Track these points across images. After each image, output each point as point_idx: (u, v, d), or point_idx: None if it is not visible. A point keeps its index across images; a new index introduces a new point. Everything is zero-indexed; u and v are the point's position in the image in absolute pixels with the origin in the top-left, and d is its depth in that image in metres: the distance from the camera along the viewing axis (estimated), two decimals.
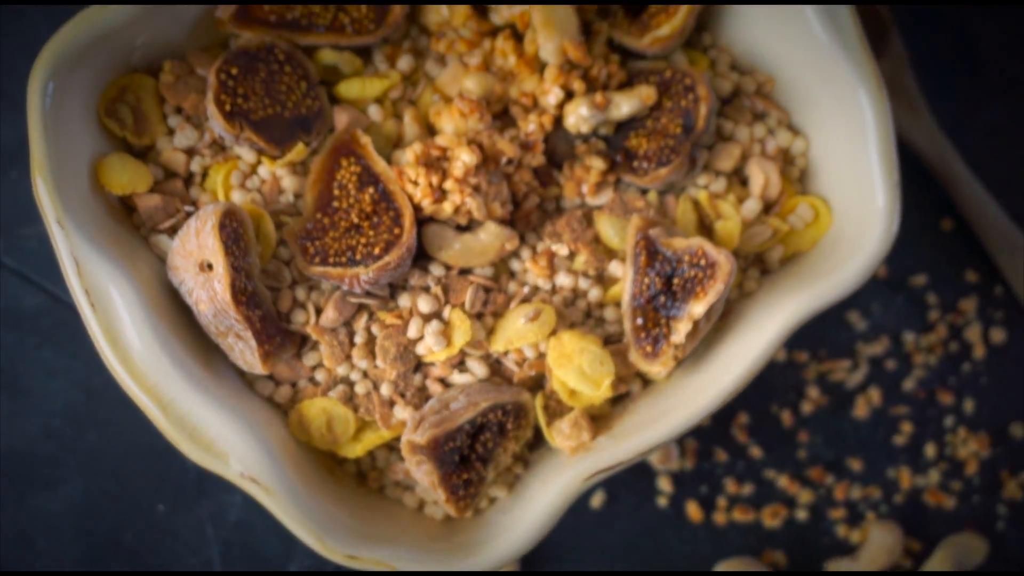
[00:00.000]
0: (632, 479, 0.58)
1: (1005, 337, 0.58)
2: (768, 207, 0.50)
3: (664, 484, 0.58)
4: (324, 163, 0.48)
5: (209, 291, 0.45)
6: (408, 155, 0.47)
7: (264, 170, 0.48)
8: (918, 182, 0.59)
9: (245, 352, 0.46)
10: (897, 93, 0.57)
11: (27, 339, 0.57)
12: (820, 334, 0.59)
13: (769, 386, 0.58)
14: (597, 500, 0.58)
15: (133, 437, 0.56)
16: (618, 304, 0.49)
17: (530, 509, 0.48)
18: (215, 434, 0.45)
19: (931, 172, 0.58)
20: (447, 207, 0.47)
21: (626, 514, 0.58)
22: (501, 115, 0.49)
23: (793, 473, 0.58)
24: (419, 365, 0.48)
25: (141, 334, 0.45)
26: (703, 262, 0.46)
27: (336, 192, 0.47)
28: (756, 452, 0.58)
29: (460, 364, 0.48)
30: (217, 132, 0.47)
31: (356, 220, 0.47)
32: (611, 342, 0.49)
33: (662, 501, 0.58)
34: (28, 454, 0.57)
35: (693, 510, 0.58)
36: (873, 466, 0.58)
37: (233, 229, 0.45)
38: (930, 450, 0.58)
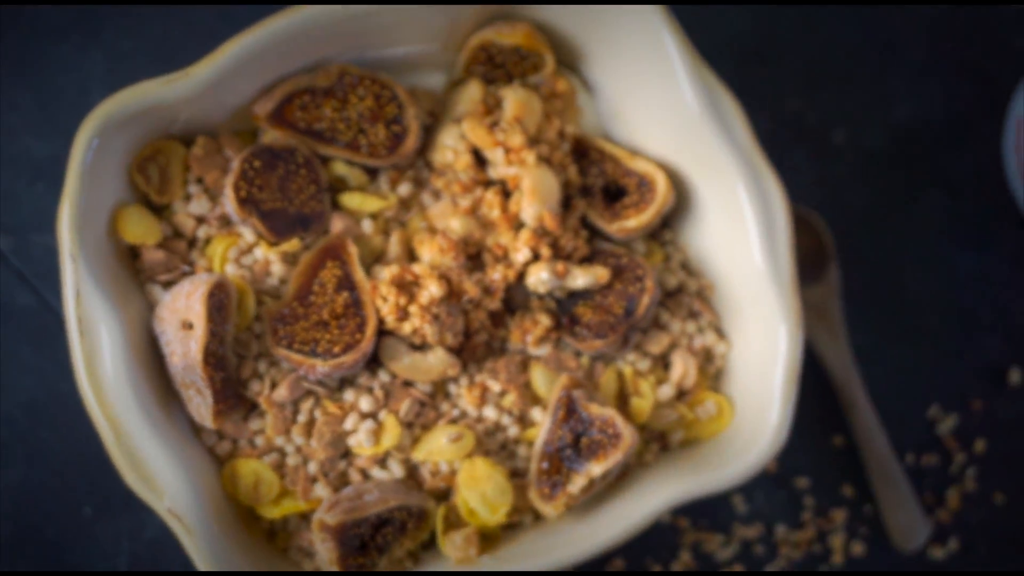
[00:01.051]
0: None
1: (864, 551, 0.65)
2: (681, 394, 0.57)
3: None
4: (312, 260, 0.54)
5: (184, 347, 0.51)
6: (385, 273, 0.54)
7: (259, 252, 0.54)
8: (823, 396, 0.65)
9: (201, 406, 0.52)
10: (823, 317, 0.65)
11: (11, 333, 0.62)
12: (705, 506, 0.65)
13: (648, 540, 0.65)
14: None
15: (80, 445, 0.62)
16: (531, 445, 0.55)
17: None
18: (156, 470, 0.51)
19: (836, 392, 0.65)
20: (407, 327, 0.53)
21: None
22: (474, 257, 0.56)
23: None
24: (347, 453, 0.54)
25: (116, 368, 0.51)
26: (611, 431, 0.53)
27: (315, 288, 0.54)
28: None
29: (382, 462, 0.54)
30: (227, 210, 0.54)
31: (326, 317, 0.53)
32: (517, 476, 0.56)
33: None
34: None
35: None
36: None
37: (219, 299, 0.52)
38: None
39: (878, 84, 0.66)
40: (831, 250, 0.65)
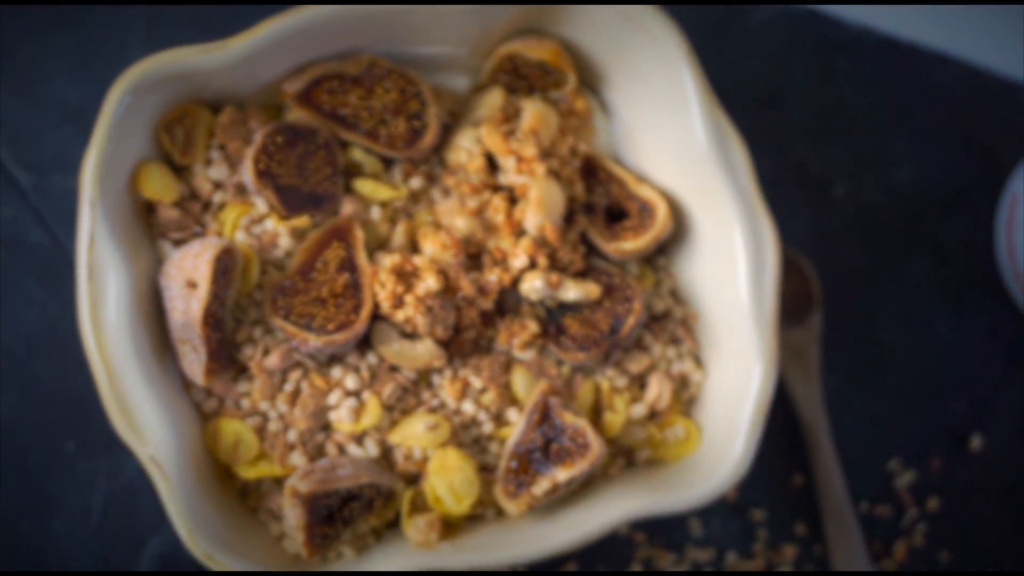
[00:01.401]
0: None
1: None
2: (653, 415, 0.59)
3: None
4: (319, 238, 0.56)
5: (186, 305, 0.53)
6: (387, 261, 0.56)
7: (269, 223, 0.56)
8: (790, 435, 0.68)
9: (194, 363, 0.54)
10: (800, 360, 0.67)
11: (20, 266, 0.65)
12: (662, 524, 0.67)
13: (602, 549, 0.67)
14: None
15: (72, 383, 0.64)
16: (503, 443, 0.58)
17: (365, 568, 0.56)
18: (143, 417, 0.54)
19: (803, 432, 0.67)
20: (400, 315, 0.55)
21: None
22: (474, 257, 0.58)
23: None
24: (327, 427, 0.57)
25: (118, 315, 0.53)
26: (581, 440, 0.55)
27: (318, 266, 0.56)
28: None
29: (359, 439, 0.57)
30: (245, 179, 0.56)
31: (325, 295, 0.55)
32: (485, 470, 0.58)
33: None
34: None
35: None
36: None
37: (226, 264, 0.54)
38: None
39: (883, 144, 0.69)
40: (817, 297, 0.67)
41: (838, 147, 0.69)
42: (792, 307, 0.66)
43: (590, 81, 0.61)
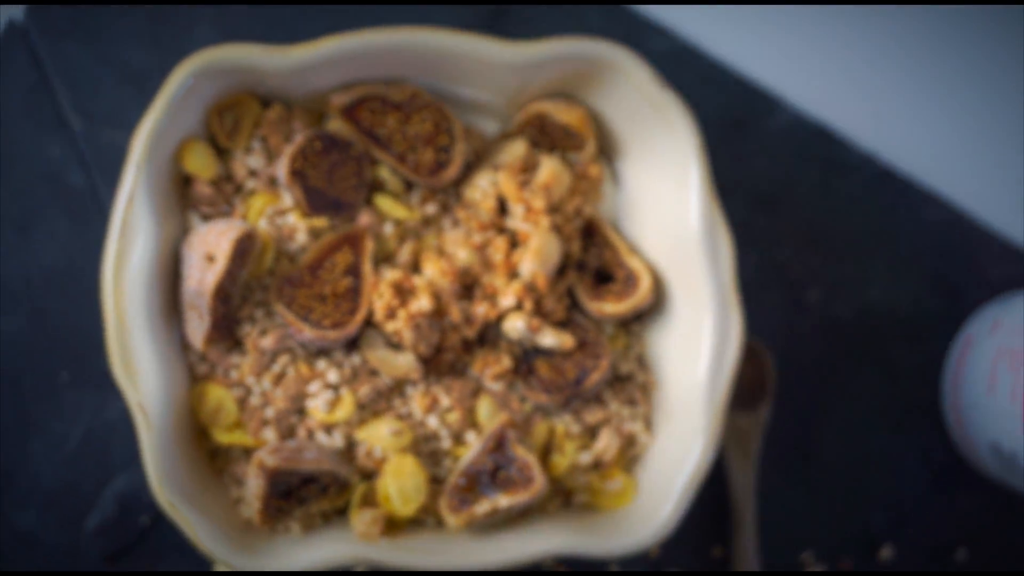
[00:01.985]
0: None
1: None
2: (597, 465, 0.64)
3: None
4: (332, 240, 0.61)
5: (201, 276, 0.58)
6: (389, 274, 0.61)
7: (291, 218, 0.61)
8: (719, 508, 0.73)
9: (197, 329, 0.59)
10: (743, 443, 0.72)
11: (55, 203, 0.69)
12: (585, 564, 0.72)
13: (526, 571, 0.72)
14: None
15: (78, 320, 0.69)
16: (456, 460, 0.63)
17: (307, 548, 0.61)
18: (140, 365, 0.59)
19: (731, 509, 0.72)
20: (390, 326, 0.60)
21: None
22: (467, 287, 0.63)
23: None
24: (302, 411, 0.62)
25: (139, 271, 0.58)
26: (527, 474, 0.60)
27: (327, 265, 0.61)
28: None
29: (329, 429, 0.62)
30: (278, 173, 0.61)
31: (327, 292, 0.60)
32: (435, 482, 0.63)
33: None
34: None
35: None
36: None
37: (245, 246, 0.59)
38: None
39: (862, 263, 0.74)
40: (770, 389, 0.72)
41: (820, 257, 0.74)
42: (746, 394, 0.72)
43: (607, 150, 0.66)
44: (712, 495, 0.73)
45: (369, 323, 0.61)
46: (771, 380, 0.72)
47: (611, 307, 0.63)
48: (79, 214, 0.70)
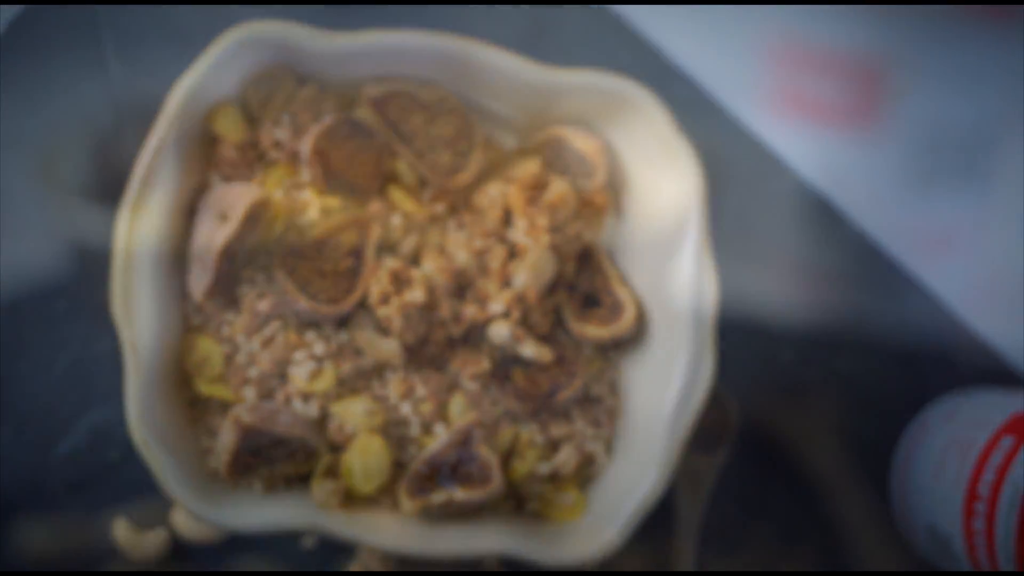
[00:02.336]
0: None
1: None
2: (553, 477, 0.67)
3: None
4: (341, 221, 0.64)
5: (210, 232, 0.61)
6: (389, 263, 0.64)
7: (306, 193, 0.64)
8: (660, 542, 0.75)
9: (199, 281, 0.62)
10: (695, 484, 0.75)
11: (80, 138, 0.72)
12: (527, 569, 0.75)
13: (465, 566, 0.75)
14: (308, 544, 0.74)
15: (84, 251, 0.72)
16: (421, 448, 0.65)
17: (265, 506, 0.63)
18: (139, 306, 0.61)
19: (670, 540, 0.75)
20: (382, 311, 0.63)
21: (314, 565, 0.74)
22: (461, 287, 0.66)
23: None
24: (284, 377, 0.64)
25: (155, 216, 0.61)
26: (486, 473, 0.63)
27: (332, 243, 0.64)
28: None
29: (306, 398, 0.64)
30: (302, 150, 0.64)
31: (327, 270, 0.63)
32: (398, 466, 0.65)
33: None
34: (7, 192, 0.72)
35: None
36: None
37: (258, 212, 0.62)
38: None
39: (837, 333, 0.77)
40: (730, 438, 0.75)
41: (799, 321, 0.77)
42: (706, 438, 0.74)
43: (616, 183, 0.69)
44: (657, 527, 0.75)
45: (362, 305, 0.64)
46: (732, 429, 0.75)
47: (593, 331, 0.66)
48: (102, 154, 0.73)
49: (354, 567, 0.71)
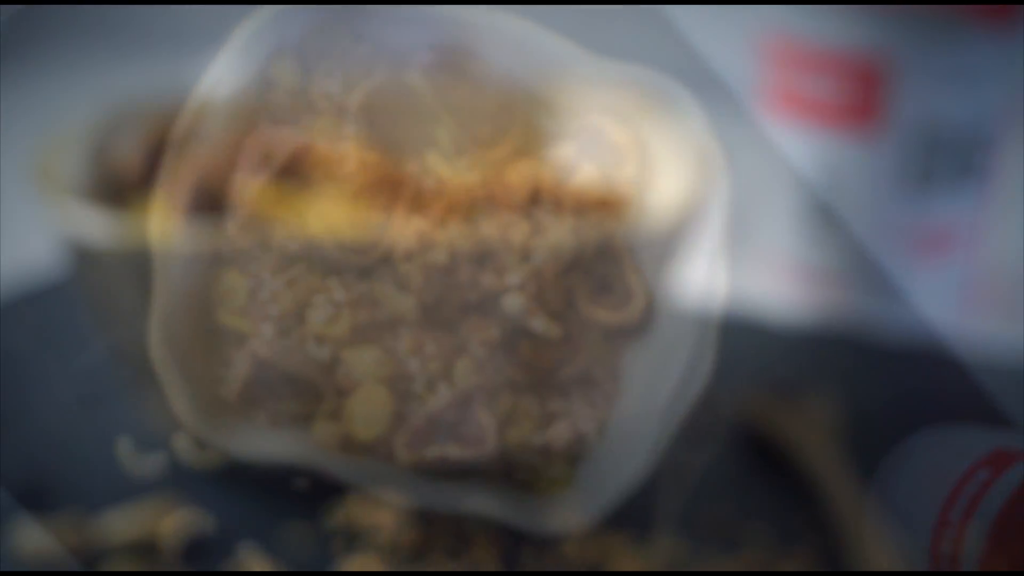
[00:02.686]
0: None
1: None
2: (544, 449, 0.69)
3: None
4: (377, 176, 0.67)
5: (254, 170, 0.64)
6: (417, 223, 0.66)
7: (347, 145, 0.67)
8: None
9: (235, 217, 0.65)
10: (665, 475, 0.77)
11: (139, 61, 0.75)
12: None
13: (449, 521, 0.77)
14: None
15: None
16: (423, 404, 0.68)
17: (266, 438, 0.66)
18: (175, 234, 0.64)
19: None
20: (404, 267, 0.66)
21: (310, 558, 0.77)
22: (482, 256, 0.68)
23: None
24: (302, 317, 0.67)
25: (219, 112, 0.64)
26: (481, 436, 0.66)
27: (365, 196, 0.66)
28: None
29: (320, 341, 0.67)
30: (349, 103, 0.66)
31: (356, 220, 0.66)
32: (398, 418, 0.68)
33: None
34: None
35: None
36: None
37: (299, 156, 0.64)
38: None
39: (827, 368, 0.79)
40: (721, 436, 0.77)
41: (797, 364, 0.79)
42: (696, 433, 0.77)
43: (644, 179, 0.71)
44: (640, 524, 0.78)
45: (386, 260, 0.67)
46: (721, 427, 0.78)
47: (602, 315, 0.69)
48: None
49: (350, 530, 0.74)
